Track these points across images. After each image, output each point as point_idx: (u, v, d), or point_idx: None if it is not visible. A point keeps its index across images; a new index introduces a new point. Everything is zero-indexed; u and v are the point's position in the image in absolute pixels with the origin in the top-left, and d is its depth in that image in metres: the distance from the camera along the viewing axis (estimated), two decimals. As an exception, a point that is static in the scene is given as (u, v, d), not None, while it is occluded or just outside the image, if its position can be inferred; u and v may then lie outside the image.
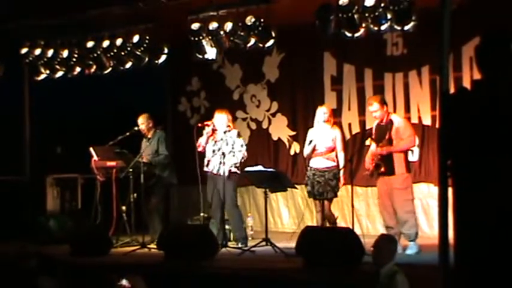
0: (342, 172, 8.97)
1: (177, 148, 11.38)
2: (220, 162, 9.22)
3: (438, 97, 4.26)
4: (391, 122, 8.43)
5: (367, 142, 9.07)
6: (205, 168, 9.42)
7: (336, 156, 9.03)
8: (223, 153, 9.20)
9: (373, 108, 8.54)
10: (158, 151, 9.97)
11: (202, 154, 9.47)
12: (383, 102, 8.57)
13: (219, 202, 9.33)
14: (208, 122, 9.45)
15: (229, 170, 9.23)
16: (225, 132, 9.33)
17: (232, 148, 9.28)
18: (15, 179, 11.13)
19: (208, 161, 9.39)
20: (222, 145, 9.29)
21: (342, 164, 9.00)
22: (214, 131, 9.37)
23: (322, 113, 9.07)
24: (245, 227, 9.77)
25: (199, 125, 9.51)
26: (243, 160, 9.35)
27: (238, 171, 9.35)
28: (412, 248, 8.30)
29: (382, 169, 8.37)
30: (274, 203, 11.23)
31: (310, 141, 9.06)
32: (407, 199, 8.38)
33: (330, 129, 9.08)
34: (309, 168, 9.14)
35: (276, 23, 9.41)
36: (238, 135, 9.42)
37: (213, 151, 9.34)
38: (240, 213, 9.56)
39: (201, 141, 9.40)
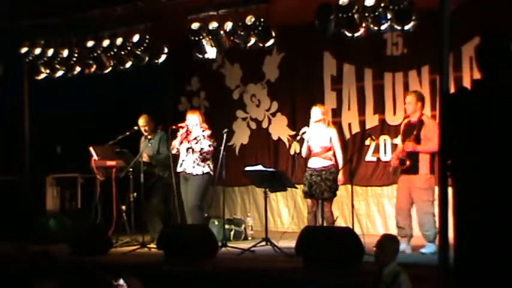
0: (340, 171, 8.94)
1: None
2: (194, 162, 9.28)
3: (438, 97, 4.26)
4: (422, 122, 8.35)
5: (367, 142, 9.06)
6: (179, 169, 9.44)
7: (334, 155, 8.97)
8: (192, 149, 9.27)
9: (408, 99, 8.50)
10: (159, 151, 9.97)
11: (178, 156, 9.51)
12: (419, 98, 8.53)
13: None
14: (183, 124, 9.45)
15: (203, 171, 9.29)
16: (198, 137, 9.35)
17: (202, 147, 9.30)
18: (15, 179, 11.12)
19: (183, 161, 9.41)
20: (194, 144, 9.32)
21: (340, 163, 8.94)
22: (188, 133, 9.39)
23: (316, 113, 9.05)
24: None
25: (174, 127, 9.49)
26: (207, 156, 9.30)
27: (212, 172, 9.34)
28: (429, 248, 8.11)
29: (408, 162, 8.26)
30: (274, 202, 11.22)
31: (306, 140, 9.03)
32: (427, 200, 8.23)
33: (326, 128, 9.03)
34: (306, 168, 9.12)
35: (276, 23, 9.40)
36: (209, 136, 9.38)
37: (187, 150, 9.37)
38: (202, 217, 9.47)
39: (175, 143, 9.42)
